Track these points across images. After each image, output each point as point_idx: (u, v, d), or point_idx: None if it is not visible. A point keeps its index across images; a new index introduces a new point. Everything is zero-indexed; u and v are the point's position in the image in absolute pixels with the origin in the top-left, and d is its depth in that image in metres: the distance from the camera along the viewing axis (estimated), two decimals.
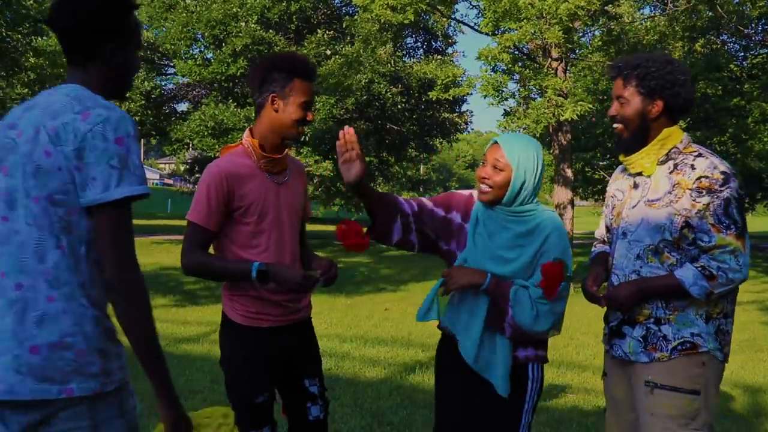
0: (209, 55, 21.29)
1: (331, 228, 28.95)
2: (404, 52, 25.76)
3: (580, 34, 15.39)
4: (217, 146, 19.08)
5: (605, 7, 13.94)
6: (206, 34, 20.45)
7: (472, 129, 32.45)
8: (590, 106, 13.51)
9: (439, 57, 24.38)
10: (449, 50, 26.51)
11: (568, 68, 15.01)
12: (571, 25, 12.68)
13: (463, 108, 26.88)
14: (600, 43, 15.09)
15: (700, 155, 2.42)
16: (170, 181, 66.83)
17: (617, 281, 2.51)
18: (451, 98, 17.71)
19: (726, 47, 18.80)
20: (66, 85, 1.78)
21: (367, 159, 21.66)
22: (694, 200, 2.35)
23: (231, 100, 20.98)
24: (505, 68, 14.16)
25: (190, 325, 8.08)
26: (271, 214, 2.56)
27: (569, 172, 14.69)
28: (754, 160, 19.06)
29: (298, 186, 2.71)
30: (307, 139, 20.18)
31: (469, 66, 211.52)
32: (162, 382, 1.74)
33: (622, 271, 2.50)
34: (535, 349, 2.47)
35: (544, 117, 12.93)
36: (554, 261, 2.33)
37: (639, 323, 2.46)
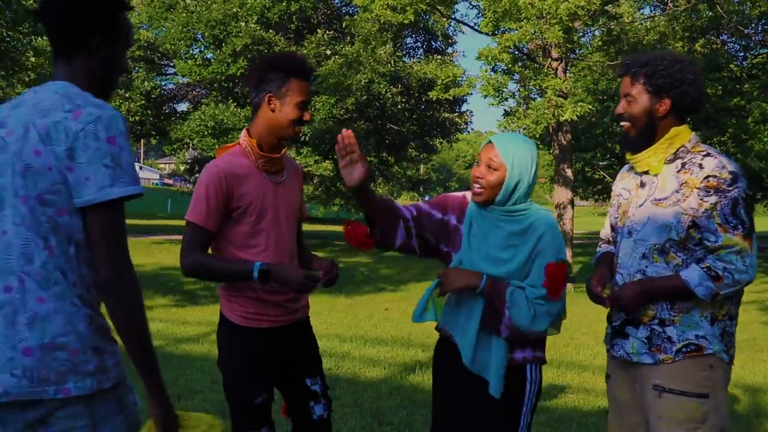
0: (209, 55, 21.31)
1: (331, 228, 28.96)
2: (404, 52, 25.77)
3: (580, 34, 15.39)
4: (217, 146, 19.09)
5: (605, 7, 13.95)
6: (206, 34, 20.47)
7: (472, 129, 32.44)
8: (590, 107, 13.51)
9: (439, 57, 24.39)
10: (449, 50, 26.53)
11: (568, 68, 15.01)
12: (571, 25, 12.69)
13: (463, 108, 26.94)
14: (600, 43, 15.09)
15: (708, 155, 2.39)
16: (170, 181, 66.87)
17: (621, 281, 2.49)
18: (451, 98, 17.72)
19: (726, 47, 18.80)
20: (54, 82, 1.75)
21: (367, 159, 21.61)
22: (701, 199, 2.32)
23: (231, 100, 21.00)
24: (505, 68, 14.17)
25: (190, 325, 8.08)
26: (269, 213, 2.56)
27: (569, 172, 14.69)
28: (754, 160, 19.03)
29: (295, 185, 2.71)
30: (307, 139, 20.19)
31: (469, 66, 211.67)
32: (154, 382, 1.74)
33: (626, 270, 2.47)
34: (532, 350, 2.46)
35: (543, 117, 12.94)
36: (558, 262, 2.32)
37: (643, 324, 2.43)
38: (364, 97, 21.37)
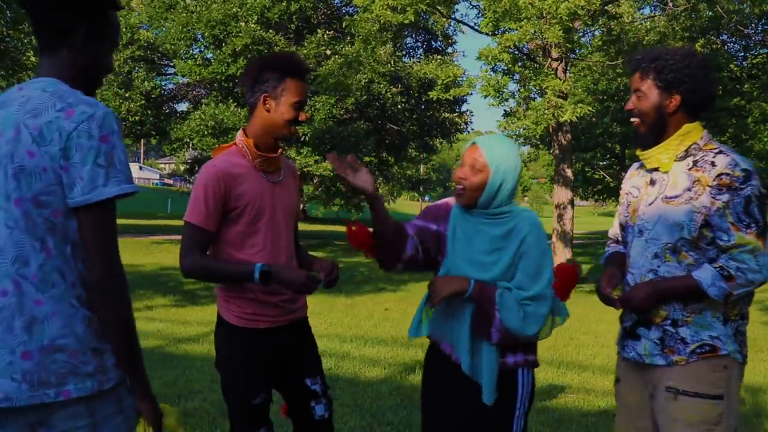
0: (209, 55, 21.32)
1: (331, 228, 28.97)
2: (404, 52, 25.80)
3: (580, 34, 15.40)
4: (216, 146, 19.07)
5: (605, 7, 13.96)
6: (206, 34, 20.48)
7: (472, 129, 32.39)
8: (590, 108, 13.52)
9: (439, 57, 24.41)
10: (449, 50, 26.54)
11: (568, 68, 15.02)
12: (571, 24, 12.70)
13: (463, 108, 26.94)
14: (600, 43, 15.10)
15: (720, 152, 2.34)
16: (170, 181, 66.91)
17: (633, 280, 2.44)
18: (451, 98, 17.75)
19: (726, 47, 18.82)
20: (40, 79, 1.71)
21: (367, 159, 21.65)
22: (713, 198, 2.27)
23: (231, 100, 21.00)
24: (506, 68, 14.18)
25: (190, 325, 8.08)
26: (267, 213, 2.55)
27: (569, 172, 14.70)
28: (754, 160, 19.04)
29: (292, 185, 2.70)
30: (307, 139, 20.20)
31: (469, 66, 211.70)
32: (141, 380, 1.76)
33: (638, 270, 2.42)
34: (524, 354, 2.43)
35: (543, 118, 12.95)
36: (568, 263, 2.29)
37: (655, 325, 2.38)
38: (364, 97, 21.39)
